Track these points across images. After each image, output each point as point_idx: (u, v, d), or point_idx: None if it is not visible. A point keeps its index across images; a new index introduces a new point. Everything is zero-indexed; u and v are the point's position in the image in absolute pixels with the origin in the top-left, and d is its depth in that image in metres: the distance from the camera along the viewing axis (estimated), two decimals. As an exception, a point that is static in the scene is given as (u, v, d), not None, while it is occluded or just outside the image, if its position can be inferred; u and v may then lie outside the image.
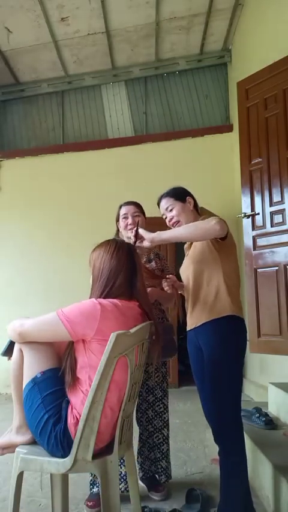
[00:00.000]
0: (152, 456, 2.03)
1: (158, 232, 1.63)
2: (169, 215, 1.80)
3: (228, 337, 1.61)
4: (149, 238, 1.63)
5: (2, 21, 4.31)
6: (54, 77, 5.26)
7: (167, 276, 1.83)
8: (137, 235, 1.65)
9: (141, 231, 1.65)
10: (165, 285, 1.79)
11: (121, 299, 1.39)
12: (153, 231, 1.66)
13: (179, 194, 1.82)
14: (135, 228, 1.67)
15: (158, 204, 1.86)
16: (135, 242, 1.66)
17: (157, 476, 2.02)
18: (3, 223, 5.13)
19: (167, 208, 1.80)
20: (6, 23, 4.33)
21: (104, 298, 1.38)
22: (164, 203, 1.82)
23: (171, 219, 1.80)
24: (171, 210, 1.79)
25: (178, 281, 1.86)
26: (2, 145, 5.40)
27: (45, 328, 1.34)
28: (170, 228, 1.83)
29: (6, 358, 1.53)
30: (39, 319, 1.35)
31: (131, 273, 1.46)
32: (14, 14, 4.21)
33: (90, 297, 1.43)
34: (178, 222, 1.78)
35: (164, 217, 1.84)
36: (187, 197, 1.82)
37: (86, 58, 4.99)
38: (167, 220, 1.83)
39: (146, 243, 1.65)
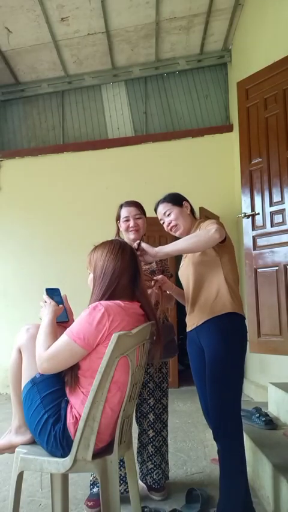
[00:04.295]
0: (149, 466, 2.01)
1: (160, 247, 1.66)
2: (167, 220, 1.83)
3: (230, 334, 1.61)
4: (152, 253, 1.64)
5: (2, 21, 4.31)
6: (54, 77, 5.26)
7: (154, 278, 1.84)
8: (139, 249, 1.65)
9: (144, 245, 1.66)
10: (153, 286, 1.82)
11: (123, 300, 1.39)
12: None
13: (176, 199, 1.85)
14: (138, 242, 1.67)
15: (155, 210, 1.89)
16: None
17: (154, 486, 2.01)
18: (2, 223, 5.13)
19: (164, 213, 1.83)
20: (6, 23, 4.33)
21: (107, 299, 1.37)
22: (162, 208, 1.84)
23: (169, 223, 1.83)
24: (169, 215, 1.82)
25: (170, 282, 1.87)
26: (2, 145, 5.40)
27: (61, 354, 1.29)
28: (168, 232, 1.86)
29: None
30: (52, 349, 1.30)
31: (134, 274, 1.46)
32: (14, 14, 4.21)
33: (92, 298, 1.42)
34: (176, 225, 1.81)
35: (161, 222, 1.87)
36: (183, 202, 1.85)
37: (86, 58, 4.99)
38: (164, 225, 1.86)
39: (148, 258, 1.66)
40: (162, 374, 2.07)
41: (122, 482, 1.91)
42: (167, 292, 1.91)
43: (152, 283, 1.82)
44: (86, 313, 1.30)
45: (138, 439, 2.05)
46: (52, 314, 1.44)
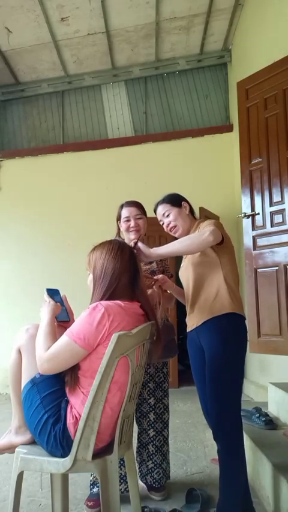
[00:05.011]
0: (150, 465, 2.01)
1: (154, 248, 1.67)
2: (166, 221, 1.84)
3: (229, 334, 1.62)
4: (146, 253, 1.65)
5: (2, 21, 4.31)
6: (54, 77, 5.26)
7: (155, 277, 1.85)
8: (135, 247, 1.65)
9: (140, 245, 1.67)
10: (153, 286, 1.82)
11: (123, 300, 1.39)
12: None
13: (175, 200, 1.86)
14: (135, 241, 1.68)
15: (155, 211, 1.90)
16: None
17: (154, 485, 2.01)
18: (3, 223, 5.13)
19: (163, 214, 1.84)
20: (6, 23, 4.33)
21: (107, 299, 1.37)
22: (161, 209, 1.85)
23: (168, 224, 1.84)
24: (168, 216, 1.83)
25: (170, 281, 1.88)
26: (2, 145, 5.40)
27: (62, 355, 1.29)
28: (168, 233, 1.87)
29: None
30: (53, 350, 1.30)
31: (133, 274, 1.46)
32: (14, 14, 4.21)
33: (92, 298, 1.42)
34: (175, 226, 1.82)
35: (161, 223, 1.88)
36: (182, 202, 1.86)
37: (86, 58, 4.99)
38: (164, 226, 1.87)
39: (142, 257, 1.66)
40: (164, 374, 2.07)
41: (122, 481, 1.91)
42: (168, 291, 1.91)
43: (153, 282, 1.83)
44: (86, 313, 1.30)
45: (138, 439, 2.05)
46: (51, 314, 1.44)
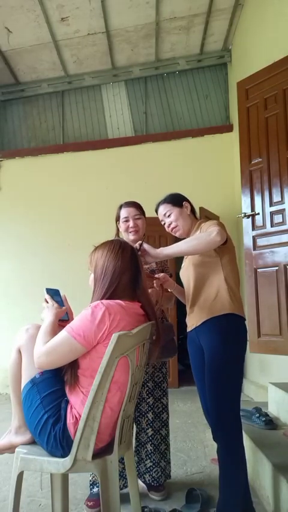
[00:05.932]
0: (148, 464, 2.01)
1: (161, 248, 1.67)
2: (167, 221, 1.84)
3: (228, 334, 1.62)
4: (153, 254, 1.65)
5: (2, 21, 4.31)
6: (54, 77, 5.27)
7: (155, 276, 1.85)
8: (141, 249, 1.66)
9: (145, 246, 1.67)
10: (154, 284, 1.83)
11: (124, 300, 1.39)
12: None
13: (176, 200, 1.86)
14: (140, 242, 1.68)
15: (156, 211, 1.91)
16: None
17: (153, 484, 2.01)
18: (3, 222, 5.13)
19: (165, 214, 1.85)
20: (6, 23, 4.34)
21: (108, 298, 1.37)
22: (162, 209, 1.86)
23: (169, 224, 1.84)
24: (169, 216, 1.83)
25: (171, 280, 1.88)
26: (2, 145, 5.40)
27: (60, 349, 1.28)
28: (168, 233, 1.87)
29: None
30: (51, 344, 1.30)
31: (134, 273, 1.46)
32: (14, 14, 4.21)
33: (93, 297, 1.42)
34: (176, 226, 1.82)
35: (162, 223, 1.88)
36: (184, 202, 1.86)
37: (86, 58, 4.99)
38: (165, 226, 1.87)
39: (149, 259, 1.67)
40: (162, 374, 2.07)
41: (120, 477, 1.90)
42: (169, 290, 1.91)
43: (154, 281, 1.82)
44: (88, 311, 1.30)
45: (136, 438, 2.05)
46: (54, 317, 1.44)
